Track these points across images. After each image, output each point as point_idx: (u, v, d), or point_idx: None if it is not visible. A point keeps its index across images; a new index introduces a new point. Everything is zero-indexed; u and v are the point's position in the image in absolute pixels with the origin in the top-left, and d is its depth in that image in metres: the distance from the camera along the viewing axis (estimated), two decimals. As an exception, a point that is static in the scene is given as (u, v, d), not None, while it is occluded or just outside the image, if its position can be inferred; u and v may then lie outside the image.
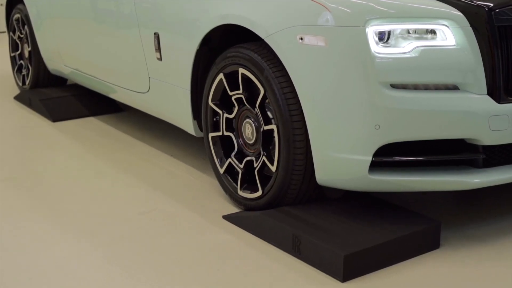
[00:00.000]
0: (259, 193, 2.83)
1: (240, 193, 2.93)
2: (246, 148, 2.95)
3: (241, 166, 2.93)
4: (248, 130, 2.90)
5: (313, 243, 2.50)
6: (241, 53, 2.80)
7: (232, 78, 2.90)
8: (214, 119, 3.06)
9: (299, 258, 2.56)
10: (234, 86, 2.90)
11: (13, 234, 2.84)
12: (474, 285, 2.40)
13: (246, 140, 2.93)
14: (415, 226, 2.61)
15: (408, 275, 2.46)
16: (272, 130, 2.73)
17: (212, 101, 3.01)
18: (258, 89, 2.75)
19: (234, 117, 2.97)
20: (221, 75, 2.92)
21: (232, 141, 3.00)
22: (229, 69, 2.88)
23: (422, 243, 2.61)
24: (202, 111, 3.11)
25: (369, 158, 2.47)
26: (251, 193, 2.88)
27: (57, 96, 4.82)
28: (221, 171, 3.04)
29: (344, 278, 2.41)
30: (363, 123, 2.45)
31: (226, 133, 3.01)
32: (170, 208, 3.06)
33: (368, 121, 2.44)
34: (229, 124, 3.00)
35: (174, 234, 2.80)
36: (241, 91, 2.85)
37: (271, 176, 2.77)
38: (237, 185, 2.95)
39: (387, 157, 2.50)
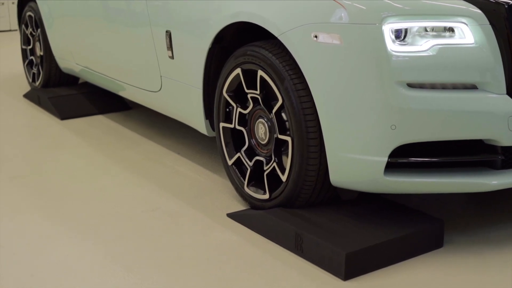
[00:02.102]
0: (266, 196, 2.80)
1: (247, 190, 2.89)
2: (259, 149, 2.89)
3: (250, 164, 2.89)
4: (261, 130, 2.84)
5: (315, 241, 2.48)
6: (262, 55, 2.72)
7: (249, 75, 2.83)
8: (227, 109, 2.99)
9: (302, 257, 2.55)
10: (251, 84, 2.84)
11: (17, 231, 2.84)
12: (477, 285, 2.37)
13: (259, 140, 2.87)
14: (418, 225, 2.59)
15: (411, 274, 2.43)
16: (286, 140, 2.68)
17: (226, 91, 2.95)
18: (275, 93, 2.68)
19: (248, 113, 2.91)
20: (238, 70, 2.86)
21: (243, 134, 2.94)
22: (247, 66, 2.81)
23: (425, 242, 2.58)
24: (215, 99, 3.04)
25: (385, 159, 2.41)
26: (258, 193, 2.84)
27: (65, 94, 4.82)
28: (229, 162, 2.99)
29: (345, 277, 2.39)
30: (378, 123, 2.39)
31: (238, 127, 2.95)
32: (174, 207, 3.05)
33: (384, 121, 2.38)
34: (242, 118, 2.94)
35: (177, 233, 2.79)
36: (258, 92, 2.79)
37: (281, 179, 2.73)
38: (244, 180, 2.91)
39: (402, 158, 2.45)
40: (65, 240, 2.75)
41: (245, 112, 2.90)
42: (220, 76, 2.99)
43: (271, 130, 2.79)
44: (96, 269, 2.50)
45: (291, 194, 2.69)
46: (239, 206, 3.00)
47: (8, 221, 2.95)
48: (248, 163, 2.90)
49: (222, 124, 3.01)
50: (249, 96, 2.86)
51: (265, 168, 2.81)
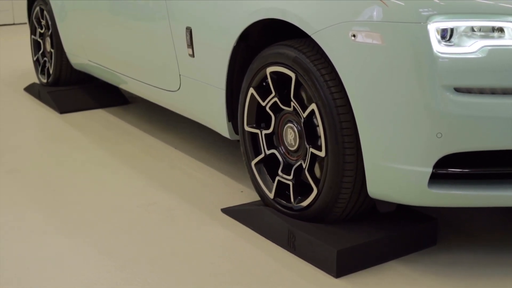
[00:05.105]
0: (271, 195, 2.69)
1: (253, 166, 2.79)
2: (288, 156, 2.70)
3: (267, 151, 2.74)
4: (290, 135, 2.66)
5: (307, 239, 2.46)
6: (324, 96, 2.40)
7: (300, 86, 2.57)
8: (264, 83, 2.72)
9: (294, 254, 2.53)
10: (298, 95, 2.58)
11: (13, 225, 2.84)
12: (470, 283, 2.35)
13: (288, 147, 2.68)
14: (412, 223, 2.57)
15: (403, 272, 2.41)
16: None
17: (270, 72, 2.66)
18: (321, 139, 2.47)
19: (284, 109, 2.68)
20: (293, 75, 2.54)
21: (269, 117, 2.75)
22: (302, 81, 2.50)
23: (419, 240, 2.56)
24: (251, 65, 2.75)
25: (429, 170, 2.23)
26: (262, 182, 2.74)
27: (65, 88, 4.83)
28: (246, 128, 2.81)
29: (337, 274, 2.37)
30: (423, 131, 2.20)
31: (268, 110, 2.72)
32: (169, 201, 3.05)
33: (429, 128, 2.19)
34: (276, 106, 2.70)
35: (171, 227, 2.79)
36: (305, 115, 2.53)
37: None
38: (254, 157, 2.79)
39: (447, 168, 2.26)
40: (60, 234, 2.75)
41: (282, 107, 2.66)
42: (266, 51, 2.69)
43: (301, 136, 2.60)
44: (90, 263, 2.50)
45: (307, 219, 2.57)
46: (234, 201, 2.98)
47: (4, 214, 2.94)
48: (265, 149, 2.75)
49: (251, 90, 2.76)
50: (292, 104, 2.60)
51: (279, 172, 2.66)
